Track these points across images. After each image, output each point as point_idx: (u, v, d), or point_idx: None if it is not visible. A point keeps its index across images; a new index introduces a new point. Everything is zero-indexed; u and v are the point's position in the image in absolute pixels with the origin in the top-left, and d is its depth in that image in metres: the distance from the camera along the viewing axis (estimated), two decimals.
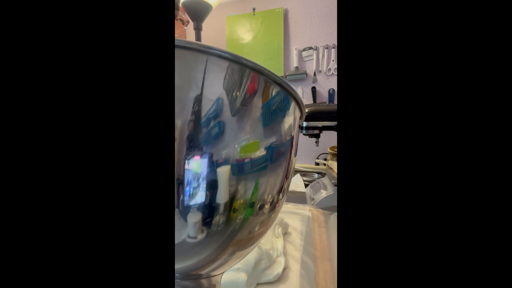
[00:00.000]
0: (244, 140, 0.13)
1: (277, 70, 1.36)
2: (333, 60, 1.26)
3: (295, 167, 1.03)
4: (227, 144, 0.12)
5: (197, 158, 0.12)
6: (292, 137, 0.17)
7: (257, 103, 0.14)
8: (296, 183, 0.77)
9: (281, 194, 0.18)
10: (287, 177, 0.18)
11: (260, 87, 0.14)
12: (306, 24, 1.30)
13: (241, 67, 0.14)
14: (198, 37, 1.22)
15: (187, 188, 0.12)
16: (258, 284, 0.32)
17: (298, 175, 0.85)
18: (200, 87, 0.13)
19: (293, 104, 0.17)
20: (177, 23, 0.54)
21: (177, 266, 0.15)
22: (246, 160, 0.14)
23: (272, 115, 0.15)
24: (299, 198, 0.64)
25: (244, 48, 1.43)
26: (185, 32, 1.48)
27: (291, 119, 0.17)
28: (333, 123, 0.57)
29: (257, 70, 0.14)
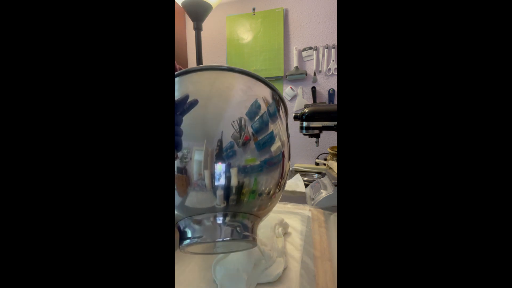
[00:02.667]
0: (248, 157, 0.24)
1: (277, 70, 1.36)
2: (333, 60, 1.26)
3: (295, 167, 1.03)
4: (238, 158, 0.23)
5: (220, 163, 0.23)
6: (283, 152, 0.27)
7: (251, 144, 0.24)
8: (296, 183, 0.77)
9: (277, 188, 0.27)
10: (282, 176, 0.28)
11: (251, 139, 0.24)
12: (306, 24, 1.30)
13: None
14: (198, 37, 1.22)
15: (216, 177, 0.23)
16: (258, 284, 0.32)
17: (298, 175, 0.85)
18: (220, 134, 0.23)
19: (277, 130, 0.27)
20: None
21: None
22: (248, 166, 0.24)
23: (262, 146, 0.25)
24: (299, 198, 0.64)
25: (244, 48, 1.43)
26: (185, 32, 1.48)
27: (278, 144, 0.26)
28: (333, 123, 0.57)
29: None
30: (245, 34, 1.41)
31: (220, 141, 0.22)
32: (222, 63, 1.45)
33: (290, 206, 0.57)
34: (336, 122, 0.56)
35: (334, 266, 0.35)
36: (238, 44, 1.43)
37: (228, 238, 0.23)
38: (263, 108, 0.26)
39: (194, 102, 0.24)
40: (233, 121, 0.23)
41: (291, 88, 1.32)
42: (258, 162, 0.24)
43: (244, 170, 0.23)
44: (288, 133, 0.31)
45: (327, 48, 1.26)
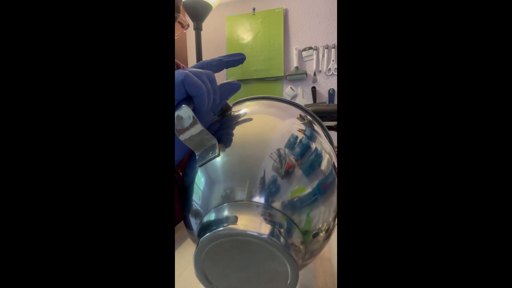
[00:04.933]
0: (295, 187, 0.20)
1: (277, 70, 1.36)
2: (333, 60, 1.26)
3: None
4: (281, 193, 0.19)
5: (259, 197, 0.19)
6: (334, 164, 0.23)
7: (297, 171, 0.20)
8: None
9: (335, 220, 0.22)
10: None
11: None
12: (306, 24, 1.30)
13: None
14: (198, 37, 1.22)
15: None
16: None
17: None
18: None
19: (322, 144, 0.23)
20: (177, 26, 0.54)
21: None
22: (295, 199, 0.19)
23: (310, 168, 0.21)
24: None
25: (244, 48, 1.43)
26: (185, 33, 1.48)
27: (327, 157, 0.22)
28: (333, 123, 0.57)
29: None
30: (245, 34, 1.41)
31: (263, 178, 0.19)
32: None
33: None
34: (336, 122, 0.56)
35: (334, 266, 0.35)
36: (238, 44, 1.43)
37: (266, 236, 0.16)
38: (299, 135, 0.22)
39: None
40: (272, 153, 0.20)
41: (291, 88, 1.32)
42: (309, 190, 0.20)
43: (291, 206, 0.19)
44: (331, 141, 0.28)
45: (327, 48, 1.26)
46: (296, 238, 0.18)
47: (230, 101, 0.28)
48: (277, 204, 0.19)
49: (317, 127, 0.26)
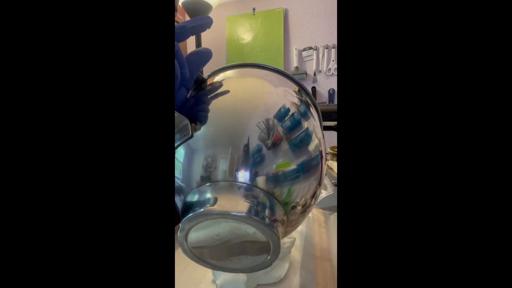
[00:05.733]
0: (280, 161, 0.20)
1: None
2: (333, 60, 1.26)
3: None
4: (266, 164, 0.19)
5: (243, 171, 0.19)
6: (321, 152, 0.23)
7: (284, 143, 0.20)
8: None
9: (313, 199, 0.23)
10: (320, 183, 0.23)
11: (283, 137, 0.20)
12: (306, 24, 1.30)
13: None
14: (198, 37, 1.22)
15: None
16: (258, 285, 0.32)
17: None
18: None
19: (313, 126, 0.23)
20: None
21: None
22: (279, 172, 0.19)
23: (298, 145, 0.21)
24: None
25: (244, 48, 1.43)
26: None
27: (316, 142, 0.22)
28: (333, 123, 0.57)
29: None
30: (245, 34, 1.41)
31: (247, 146, 0.19)
32: (222, 63, 1.45)
33: None
34: (336, 122, 0.56)
35: (334, 266, 0.35)
36: (238, 44, 1.43)
37: (244, 214, 0.17)
38: (292, 109, 0.22)
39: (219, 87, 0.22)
40: (259, 122, 0.20)
41: None
42: (293, 167, 0.20)
43: (275, 178, 0.19)
44: (322, 132, 0.27)
45: (327, 48, 1.26)
46: (278, 212, 0.19)
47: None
48: (260, 178, 0.19)
49: (312, 110, 0.25)
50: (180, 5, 1.11)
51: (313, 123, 0.23)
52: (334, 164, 0.69)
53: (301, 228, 0.47)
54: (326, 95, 1.29)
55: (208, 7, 1.15)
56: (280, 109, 0.21)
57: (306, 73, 1.29)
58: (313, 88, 1.29)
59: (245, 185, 0.19)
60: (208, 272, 0.33)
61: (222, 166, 0.19)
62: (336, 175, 0.62)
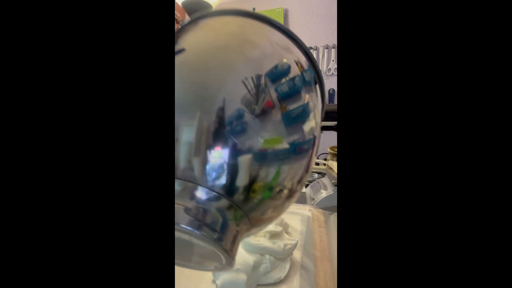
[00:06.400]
0: (269, 134, 0.15)
1: None
2: (333, 60, 1.26)
3: None
4: (251, 137, 0.14)
5: (218, 148, 0.14)
6: (315, 138, 0.19)
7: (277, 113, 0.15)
8: None
9: (299, 185, 0.19)
10: (308, 170, 0.19)
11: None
12: (306, 24, 1.30)
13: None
14: None
15: (212, 168, 0.14)
16: (258, 285, 0.32)
17: None
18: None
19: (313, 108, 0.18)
20: None
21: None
22: (268, 151, 0.15)
23: (294, 120, 0.16)
24: (299, 198, 0.64)
25: None
26: None
27: (313, 124, 0.18)
28: (333, 123, 0.57)
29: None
30: None
31: (222, 109, 0.14)
32: None
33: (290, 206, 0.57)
34: (336, 122, 0.56)
35: (334, 266, 0.35)
36: None
37: (188, 227, 0.14)
38: (295, 71, 0.17)
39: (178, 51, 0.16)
40: (246, 78, 0.14)
41: None
42: (285, 146, 0.15)
43: (262, 157, 0.15)
44: (322, 119, 0.22)
45: (327, 48, 1.26)
46: (231, 227, 0.15)
47: None
48: (243, 158, 0.14)
49: (317, 89, 0.20)
50: (180, 5, 1.11)
51: (315, 102, 0.19)
52: (334, 164, 0.69)
53: (301, 228, 0.47)
54: (326, 95, 1.29)
55: (208, 7, 1.15)
56: (277, 66, 0.16)
57: None
58: None
59: (196, 199, 0.15)
60: (208, 272, 0.33)
61: (182, 152, 0.14)
62: (336, 175, 0.62)
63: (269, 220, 0.20)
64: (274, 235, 0.36)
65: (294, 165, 0.17)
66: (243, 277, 0.30)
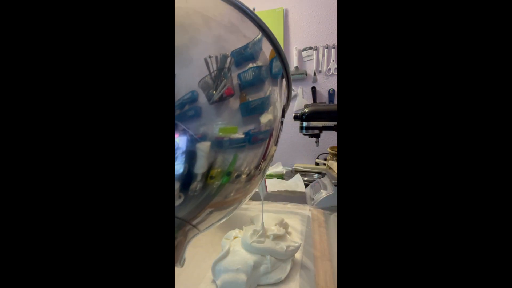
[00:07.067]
0: (223, 124, 0.15)
1: None
2: (333, 60, 1.26)
3: (295, 167, 1.03)
4: (204, 124, 0.14)
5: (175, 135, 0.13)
6: (272, 131, 0.19)
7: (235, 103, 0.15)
8: (296, 183, 0.77)
9: (257, 170, 0.19)
10: (264, 158, 0.20)
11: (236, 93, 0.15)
12: (306, 24, 1.30)
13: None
14: None
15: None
16: (258, 285, 0.32)
17: (298, 175, 0.85)
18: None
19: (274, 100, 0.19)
20: None
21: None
22: (225, 139, 0.15)
23: (251, 111, 0.16)
24: (299, 198, 0.64)
25: None
26: None
27: (270, 117, 0.18)
28: (333, 123, 0.57)
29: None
30: None
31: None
32: None
33: (290, 206, 0.57)
34: (336, 122, 0.56)
35: (334, 266, 0.35)
36: None
37: None
38: (263, 60, 0.16)
39: None
40: (209, 57, 0.14)
41: None
42: (240, 135, 0.16)
43: (218, 144, 0.15)
44: (283, 117, 0.22)
45: (327, 48, 1.26)
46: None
47: None
48: (204, 143, 0.14)
49: (283, 84, 0.20)
50: None
51: (277, 96, 0.18)
52: (334, 164, 0.69)
53: (301, 228, 0.47)
54: (326, 95, 1.29)
55: None
56: (240, 50, 0.15)
57: (306, 73, 1.29)
58: (313, 88, 1.29)
59: None
60: (208, 272, 0.33)
61: None
62: (336, 175, 0.62)
63: (235, 201, 0.20)
64: (277, 237, 0.36)
65: (250, 153, 0.17)
66: (243, 277, 0.30)
